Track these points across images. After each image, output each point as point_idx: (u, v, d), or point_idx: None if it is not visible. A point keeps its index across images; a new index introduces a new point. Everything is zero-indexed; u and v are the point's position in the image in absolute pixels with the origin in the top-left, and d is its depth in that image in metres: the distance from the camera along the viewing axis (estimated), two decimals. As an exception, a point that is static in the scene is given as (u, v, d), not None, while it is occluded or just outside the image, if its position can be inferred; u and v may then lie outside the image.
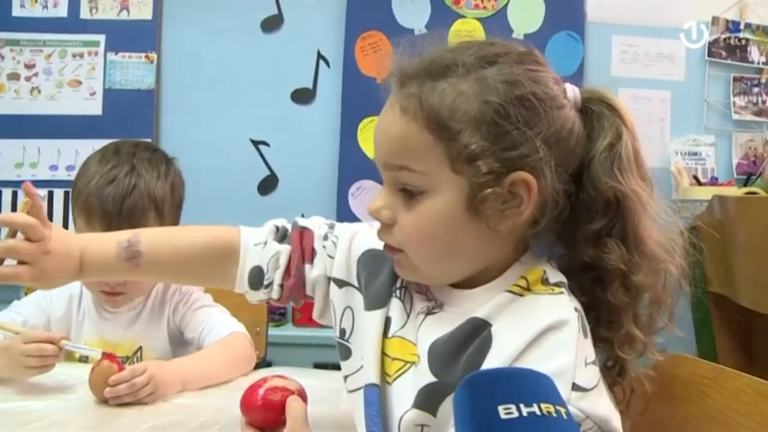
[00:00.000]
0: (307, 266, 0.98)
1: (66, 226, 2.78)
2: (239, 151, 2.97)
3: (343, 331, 0.96)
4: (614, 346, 0.83)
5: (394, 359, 0.86)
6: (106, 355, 1.18)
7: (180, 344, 1.48)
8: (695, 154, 3.07)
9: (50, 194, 2.85)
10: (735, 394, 0.90)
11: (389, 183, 0.84)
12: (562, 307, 0.79)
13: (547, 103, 0.79)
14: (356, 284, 0.96)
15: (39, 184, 2.85)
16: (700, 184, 2.97)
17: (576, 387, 0.73)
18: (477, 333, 0.79)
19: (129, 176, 1.40)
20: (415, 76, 0.81)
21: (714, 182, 3.01)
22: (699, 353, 2.50)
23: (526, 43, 0.86)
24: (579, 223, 0.83)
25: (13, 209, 2.84)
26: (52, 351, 1.19)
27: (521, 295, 0.81)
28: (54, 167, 2.86)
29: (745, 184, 2.96)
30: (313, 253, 0.98)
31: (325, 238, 1.00)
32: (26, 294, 1.54)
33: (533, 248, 0.86)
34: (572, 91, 0.84)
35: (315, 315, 1.01)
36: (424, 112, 0.79)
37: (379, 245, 0.93)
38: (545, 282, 0.82)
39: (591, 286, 0.83)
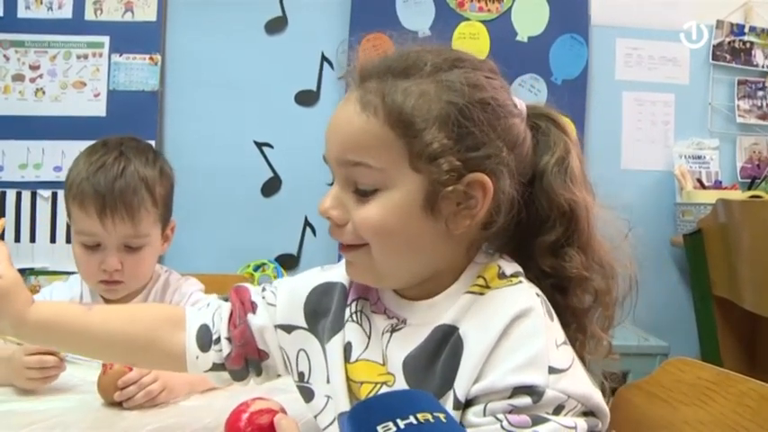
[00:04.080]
0: (249, 315, 0.95)
1: (69, 227, 2.78)
2: (243, 153, 2.97)
3: (301, 375, 0.94)
4: (576, 347, 0.84)
5: (362, 383, 0.85)
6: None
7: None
8: (699, 157, 3.06)
9: (54, 196, 2.86)
10: (739, 398, 0.89)
11: (342, 180, 0.84)
12: (524, 295, 0.80)
13: (505, 110, 0.82)
14: (306, 326, 0.94)
15: (43, 185, 2.87)
16: (704, 187, 2.97)
17: (552, 370, 0.74)
18: (446, 339, 0.80)
19: (119, 161, 1.41)
20: (377, 73, 0.82)
21: (718, 185, 3.01)
22: (702, 357, 2.50)
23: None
24: (536, 235, 0.85)
25: (17, 210, 2.85)
26: (53, 362, 1.19)
27: (481, 294, 0.81)
28: (58, 168, 2.86)
29: (750, 188, 2.95)
30: (253, 305, 0.96)
31: (263, 290, 0.99)
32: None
33: (485, 249, 0.87)
34: (520, 104, 0.86)
35: (280, 370, 0.98)
36: (386, 108, 0.79)
37: (325, 279, 0.95)
38: (502, 276, 0.83)
39: (551, 292, 0.85)
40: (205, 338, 0.96)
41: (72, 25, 2.92)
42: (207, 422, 1.08)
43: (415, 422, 0.59)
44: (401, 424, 0.59)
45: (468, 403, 0.76)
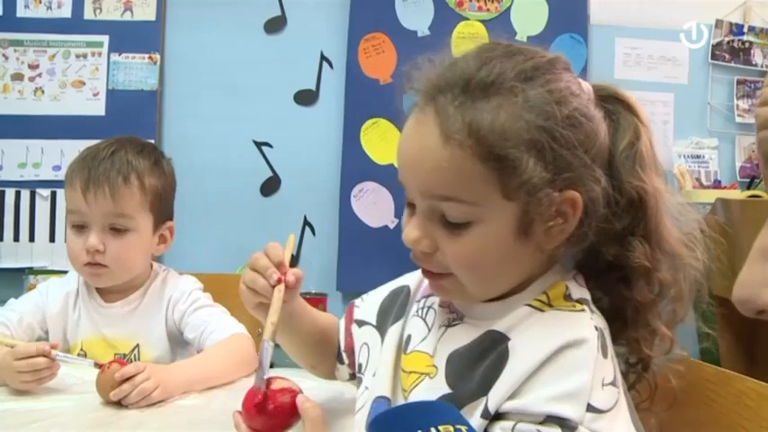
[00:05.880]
0: (352, 326, 1.03)
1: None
2: (242, 152, 2.97)
3: (359, 366, 0.98)
4: (641, 345, 0.83)
5: (410, 372, 0.86)
6: (115, 359, 1.19)
7: (179, 343, 1.47)
8: (698, 157, 3.06)
9: (53, 195, 2.86)
10: (739, 398, 0.89)
11: (426, 211, 0.79)
12: (582, 325, 0.77)
13: (587, 116, 0.78)
14: (374, 323, 0.98)
15: (42, 184, 2.87)
16: (702, 187, 2.96)
17: (590, 408, 0.72)
18: (494, 346, 0.79)
19: (111, 147, 1.43)
20: (451, 90, 0.77)
21: (717, 185, 3.01)
22: (701, 356, 2.49)
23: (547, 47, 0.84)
24: (602, 223, 0.81)
25: (16, 209, 2.84)
26: (45, 364, 1.18)
27: (541, 310, 0.79)
28: (57, 168, 2.86)
29: (749, 187, 2.95)
30: (354, 313, 1.04)
31: (367, 294, 1.05)
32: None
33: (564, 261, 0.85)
34: (587, 88, 0.82)
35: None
36: (472, 139, 0.74)
37: (401, 283, 0.99)
38: (567, 298, 0.80)
39: (615, 285, 0.83)
40: (339, 353, 1.06)
41: (71, 24, 2.92)
42: (205, 421, 1.08)
43: None
44: None
45: (498, 416, 0.74)
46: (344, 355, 1.04)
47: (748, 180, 3.03)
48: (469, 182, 0.75)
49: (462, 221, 0.77)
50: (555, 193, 0.75)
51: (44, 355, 1.18)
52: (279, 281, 0.93)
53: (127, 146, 1.45)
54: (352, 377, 1.06)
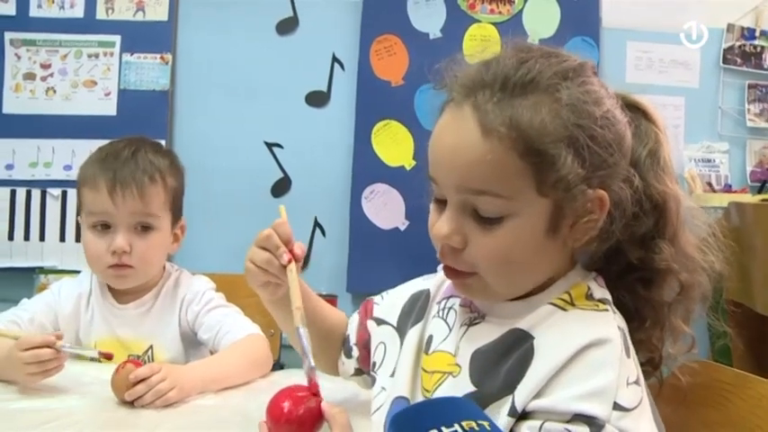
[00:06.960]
0: (368, 321, 1.03)
1: (79, 226, 2.79)
2: (253, 153, 2.97)
3: (374, 364, 0.99)
4: (658, 344, 0.85)
5: (433, 372, 0.87)
6: (130, 360, 1.19)
7: (193, 344, 1.48)
8: (709, 161, 3.05)
9: (64, 194, 2.87)
10: (757, 401, 0.89)
11: (459, 206, 0.80)
12: (605, 325, 0.78)
13: (616, 118, 0.80)
14: (395, 325, 0.98)
15: (53, 183, 2.88)
16: (713, 191, 2.96)
17: (617, 406, 0.72)
18: (518, 344, 0.79)
19: (129, 147, 1.44)
20: (490, 87, 0.78)
21: (728, 189, 3.00)
22: (717, 355, 2.49)
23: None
24: (625, 226, 0.82)
25: (27, 208, 2.85)
26: (50, 355, 1.17)
27: (564, 309, 0.80)
28: (68, 167, 2.86)
29: (759, 192, 2.94)
30: (373, 310, 1.04)
31: (386, 292, 1.06)
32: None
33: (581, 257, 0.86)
34: (613, 93, 0.84)
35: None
36: (512, 135, 0.75)
37: (421, 287, 0.99)
38: (589, 297, 0.82)
39: (633, 285, 0.84)
40: (347, 346, 1.06)
41: (83, 24, 2.93)
42: (222, 421, 1.08)
43: (459, 430, 0.60)
44: None
45: (525, 415, 0.75)
46: (355, 349, 1.05)
47: (759, 184, 3.02)
48: (506, 176, 0.76)
49: (495, 216, 0.78)
50: (589, 191, 0.77)
51: (49, 346, 1.17)
52: (289, 260, 0.95)
53: (145, 146, 1.46)
54: (358, 373, 1.06)
